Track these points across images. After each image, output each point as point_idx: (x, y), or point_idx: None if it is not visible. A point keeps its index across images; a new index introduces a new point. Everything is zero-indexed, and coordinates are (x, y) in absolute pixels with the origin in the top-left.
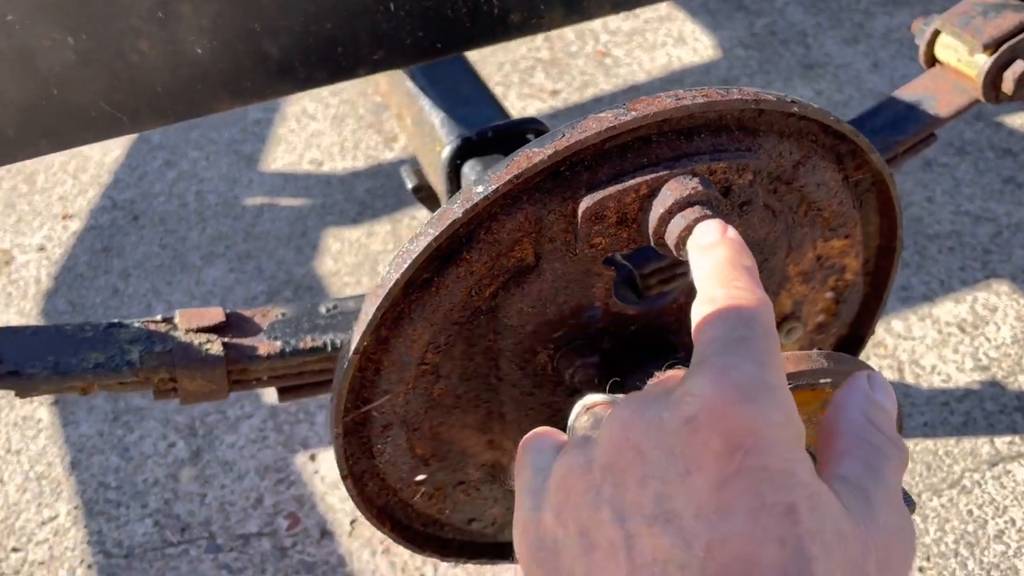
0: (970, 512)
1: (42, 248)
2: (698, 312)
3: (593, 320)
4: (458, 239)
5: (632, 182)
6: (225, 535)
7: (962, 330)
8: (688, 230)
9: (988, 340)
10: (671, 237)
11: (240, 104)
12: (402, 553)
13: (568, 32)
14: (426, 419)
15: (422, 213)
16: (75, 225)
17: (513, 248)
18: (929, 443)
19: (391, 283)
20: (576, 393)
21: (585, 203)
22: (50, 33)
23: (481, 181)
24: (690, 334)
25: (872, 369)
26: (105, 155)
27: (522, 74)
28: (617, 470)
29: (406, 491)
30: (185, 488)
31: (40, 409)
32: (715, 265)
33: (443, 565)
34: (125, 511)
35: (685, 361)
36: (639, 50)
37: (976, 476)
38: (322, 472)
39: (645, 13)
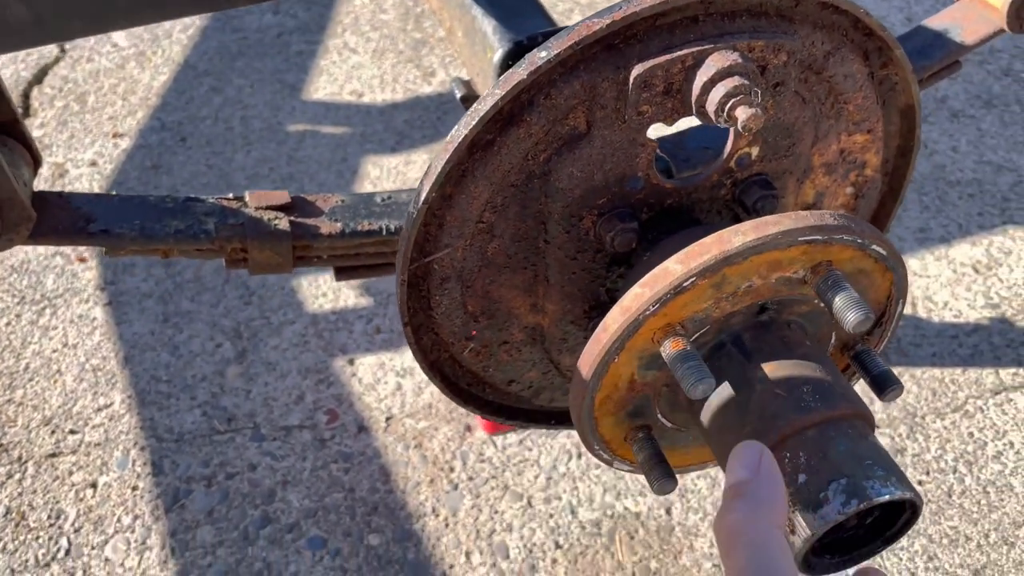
0: (971, 434)
1: (94, 163)
2: None
3: (634, 190)
4: (520, 103)
5: (679, 53)
6: (269, 426)
7: (976, 270)
8: (728, 98)
9: (1001, 280)
10: (711, 104)
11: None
12: (433, 448)
13: None
14: (479, 276)
15: None
16: (125, 143)
17: (568, 115)
18: (936, 371)
19: (459, 139)
20: (615, 262)
21: (636, 70)
22: None
23: (544, 48)
24: (718, 212)
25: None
26: (153, 79)
27: (560, 16)
28: None
29: (456, 346)
30: (231, 384)
31: (95, 309)
32: None
33: (471, 459)
34: (175, 402)
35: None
36: None
37: (979, 403)
38: (360, 374)
39: None
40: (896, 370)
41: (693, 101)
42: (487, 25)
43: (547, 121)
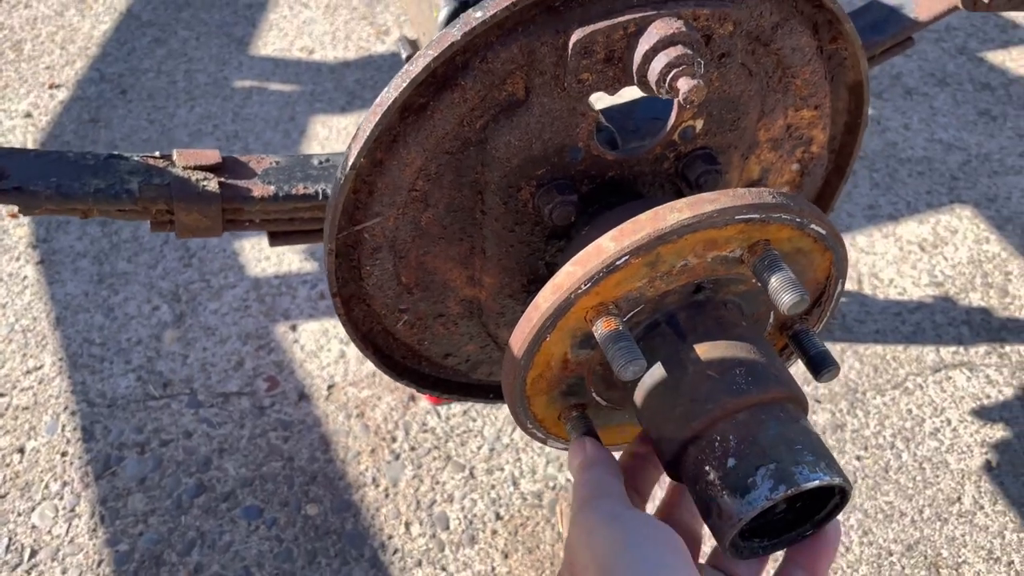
0: (909, 411)
1: (29, 115)
2: None
3: (575, 161)
4: (455, 66)
5: (621, 19)
6: (206, 392)
7: (922, 248)
8: (670, 68)
9: (946, 259)
10: (653, 74)
11: None
12: (375, 417)
13: None
14: (413, 247)
15: None
16: (62, 95)
17: (506, 80)
18: (878, 348)
19: (389, 102)
20: (554, 235)
21: (576, 35)
22: None
23: (480, 7)
24: (661, 186)
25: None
26: (94, 28)
27: None
28: None
29: (389, 318)
30: (168, 348)
31: (26, 267)
32: None
33: (414, 429)
34: (109, 366)
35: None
36: None
37: (919, 380)
38: (302, 341)
39: None
40: (840, 346)
41: (635, 70)
42: None
43: (483, 86)
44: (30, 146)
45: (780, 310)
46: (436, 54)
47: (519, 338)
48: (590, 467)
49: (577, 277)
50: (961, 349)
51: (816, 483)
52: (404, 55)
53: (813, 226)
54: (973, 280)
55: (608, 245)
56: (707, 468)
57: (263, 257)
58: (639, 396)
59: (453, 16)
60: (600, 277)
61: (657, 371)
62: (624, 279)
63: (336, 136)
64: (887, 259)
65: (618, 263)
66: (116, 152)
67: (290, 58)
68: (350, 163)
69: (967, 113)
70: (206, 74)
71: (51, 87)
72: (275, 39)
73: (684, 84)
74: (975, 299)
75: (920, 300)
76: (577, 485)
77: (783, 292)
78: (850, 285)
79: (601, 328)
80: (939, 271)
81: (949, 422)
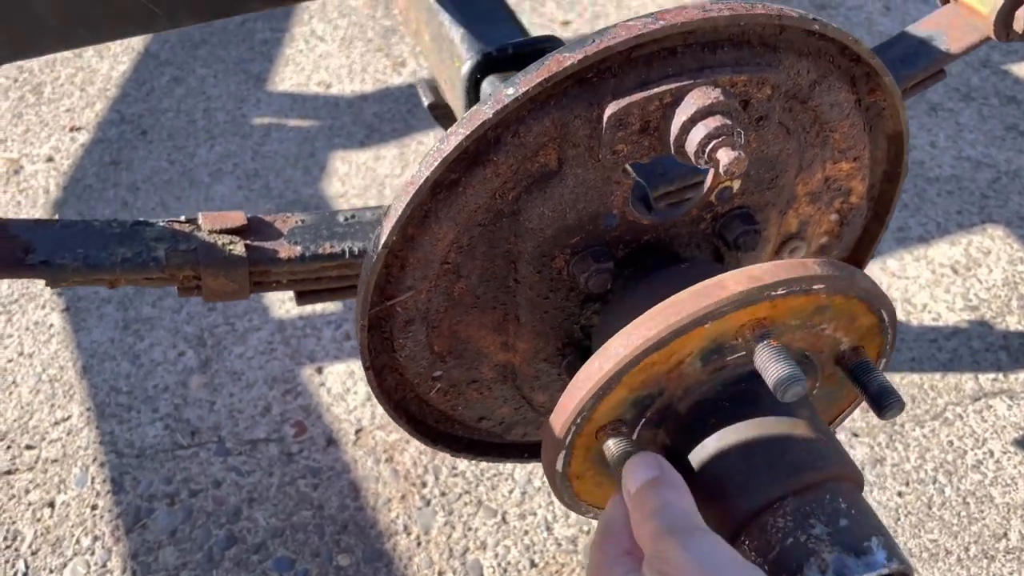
0: (950, 443)
1: (50, 159)
2: None
3: (610, 228)
4: (486, 141)
5: (657, 90)
6: (234, 440)
7: (955, 271)
8: (709, 139)
9: (980, 282)
10: (691, 145)
11: (273, 6)
12: (404, 462)
13: None
14: (445, 317)
15: (429, 138)
16: (83, 137)
17: (538, 153)
18: (915, 377)
19: (421, 181)
20: (589, 300)
21: (610, 109)
22: None
23: (511, 84)
24: (698, 246)
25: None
26: (112, 69)
27: (533, 2)
28: None
29: (423, 386)
30: (194, 395)
31: (52, 315)
32: None
33: (443, 473)
34: (136, 414)
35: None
36: None
37: (959, 409)
38: (328, 384)
39: None
40: None
41: (672, 141)
42: (455, 33)
43: (516, 160)
44: (52, 190)
45: (880, 416)
46: (468, 132)
47: (672, 311)
48: (671, 488)
49: (779, 275)
50: (1000, 376)
51: (912, 571)
52: (425, 102)
53: (889, 332)
54: (1009, 303)
55: (813, 268)
56: (813, 521)
57: (287, 298)
58: (726, 439)
59: (476, 69)
60: (793, 292)
61: (728, 435)
62: (791, 308)
63: (356, 172)
64: (919, 283)
65: (810, 289)
66: (142, 219)
67: (307, 93)
68: (382, 241)
69: (994, 128)
70: (225, 112)
71: (72, 130)
72: (292, 74)
73: (724, 156)
74: (1012, 323)
75: (955, 325)
76: (657, 507)
77: (883, 396)
78: None
79: (768, 343)
80: (974, 294)
81: (992, 453)
